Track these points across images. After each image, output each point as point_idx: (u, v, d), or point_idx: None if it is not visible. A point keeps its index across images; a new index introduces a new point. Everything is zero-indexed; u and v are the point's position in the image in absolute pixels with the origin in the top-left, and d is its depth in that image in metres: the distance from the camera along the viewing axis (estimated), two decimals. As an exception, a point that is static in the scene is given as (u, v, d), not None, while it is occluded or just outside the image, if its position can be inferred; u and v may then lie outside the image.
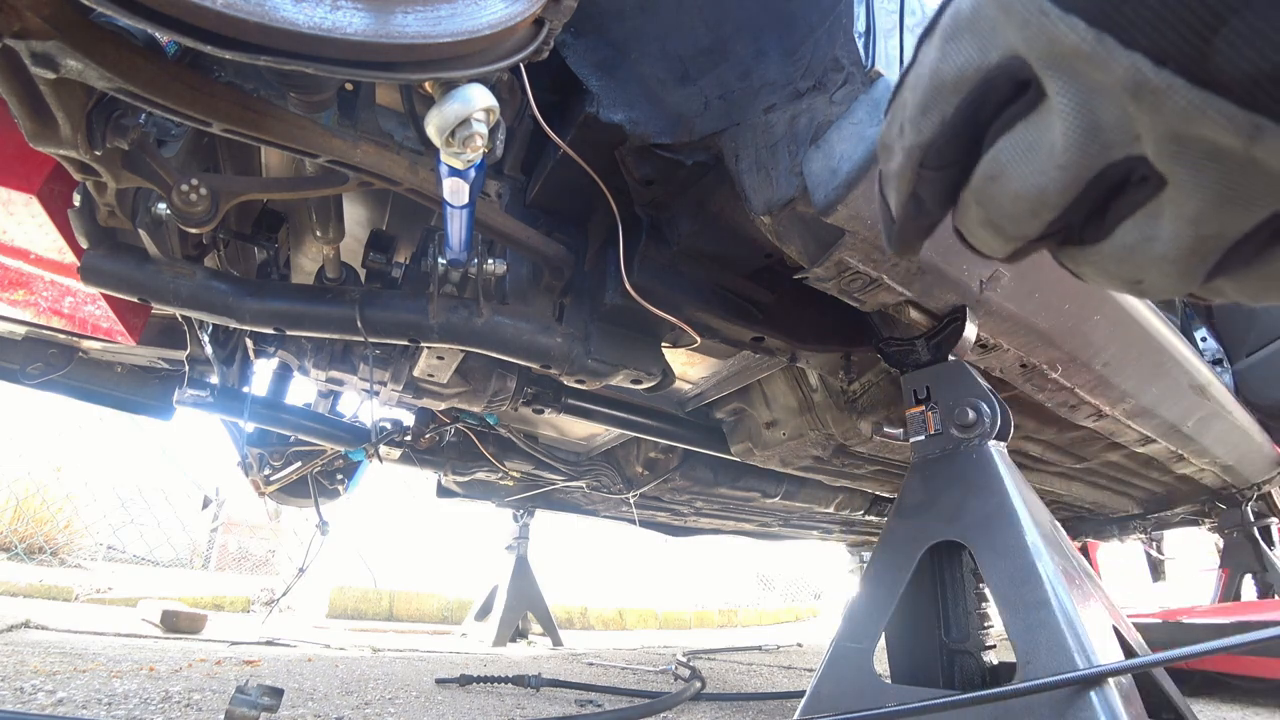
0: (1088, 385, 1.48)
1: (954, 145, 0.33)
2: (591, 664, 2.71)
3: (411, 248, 1.44)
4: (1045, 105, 0.29)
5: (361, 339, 1.23)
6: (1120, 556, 4.92)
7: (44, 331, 1.57)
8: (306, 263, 1.67)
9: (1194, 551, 5.00)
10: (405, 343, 1.28)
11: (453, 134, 0.72)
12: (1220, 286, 0.30)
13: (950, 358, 1.15)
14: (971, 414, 1.06)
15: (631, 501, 2.66)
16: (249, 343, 1.58)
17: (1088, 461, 2.24)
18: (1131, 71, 0.25)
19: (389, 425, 2.12)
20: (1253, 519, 2.77)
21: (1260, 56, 0.22)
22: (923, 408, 1.14)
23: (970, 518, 0.98)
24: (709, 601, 6.94)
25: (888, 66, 0.86)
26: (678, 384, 1.97)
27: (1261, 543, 2.78)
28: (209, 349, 1.53)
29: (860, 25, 0.87)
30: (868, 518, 3.15)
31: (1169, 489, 2.78)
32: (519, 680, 1.83)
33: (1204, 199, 0.26)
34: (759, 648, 3.79)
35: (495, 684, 1.85)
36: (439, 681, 1.88)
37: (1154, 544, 3.91)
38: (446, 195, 0.89)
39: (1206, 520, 3.01)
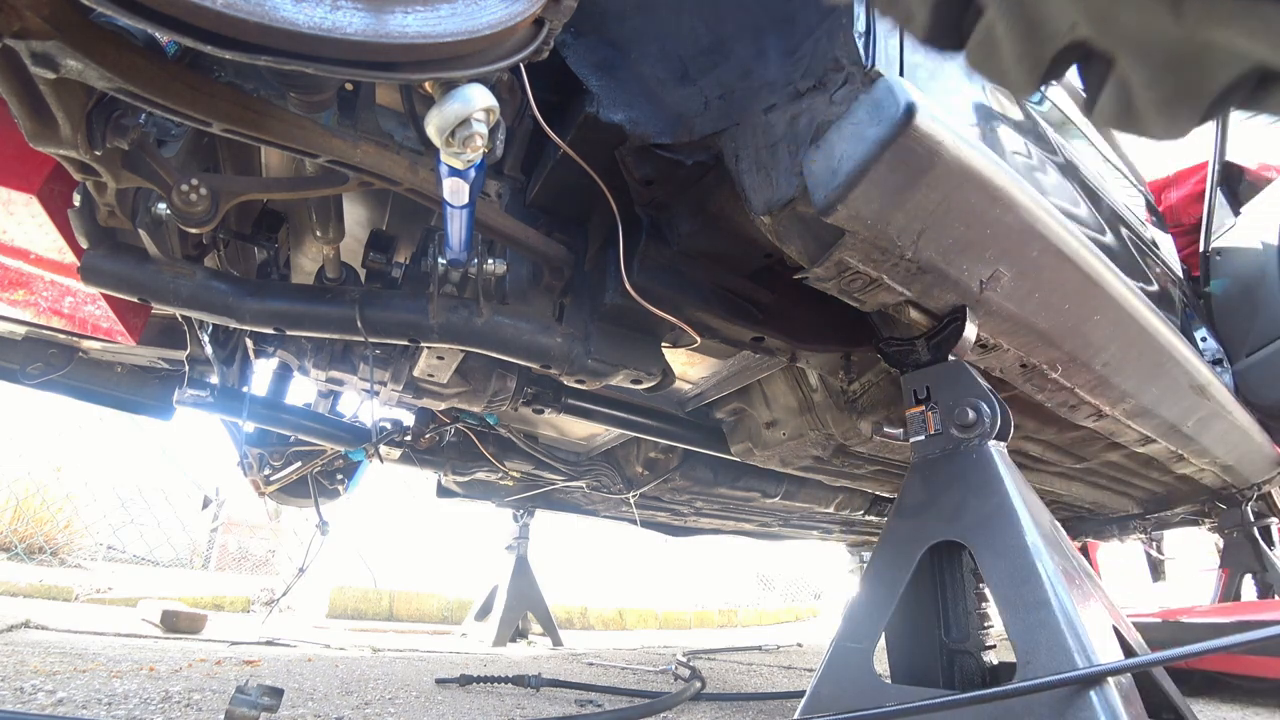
0: (1088, 385, 1.48)
1: (938, 42, 0.38)
2: (591, 664, 2.71)
3: (411, 248, 1.44)
4: (987, 15, 0.32)
5: (361, 339, 1.23)
6: (1120, 556, 4.91)
7: (44, 331, 1.57)
8: (306, 263, 1.67)
9: (1194, 551, 4.99)
10: (405, 343, 1.28)
11: (453, 134, 0.72)
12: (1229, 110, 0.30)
13: (950, 358, 1.15)
14: (971, 414, 1.06)
15: (631, 501, 2.66)
16: (249, 343, 1.58)
17: (1088, 461, 2.23)
18: None
19: (389, 425, 2.12)
20: (1253, 519, 2.77)
21: None
22: (923, 408, 1.14)
23: (970, 518, 0.98)
24: (709, 601, 6.93)
25: (888, 66, 0.86)
26: (678, 384, 1.97)
27: (1261, 543, 2.78)
28: (209, 349, 1.53)
29: (860, 25, 0.87)
30: (868, 518, 3.15)
31: (1169, 489, 2.78)
32: (519, 680, 1.83)
33: (1148, 69, 0.26)
34: (759, 648, 3.79)
35: (495, 684, 1.85)
36: (439, 681, 1.88)
37: (1154, 544, 3.90)
38: (446, 195, 0.89)
39: (1206, 520, 3.01)
